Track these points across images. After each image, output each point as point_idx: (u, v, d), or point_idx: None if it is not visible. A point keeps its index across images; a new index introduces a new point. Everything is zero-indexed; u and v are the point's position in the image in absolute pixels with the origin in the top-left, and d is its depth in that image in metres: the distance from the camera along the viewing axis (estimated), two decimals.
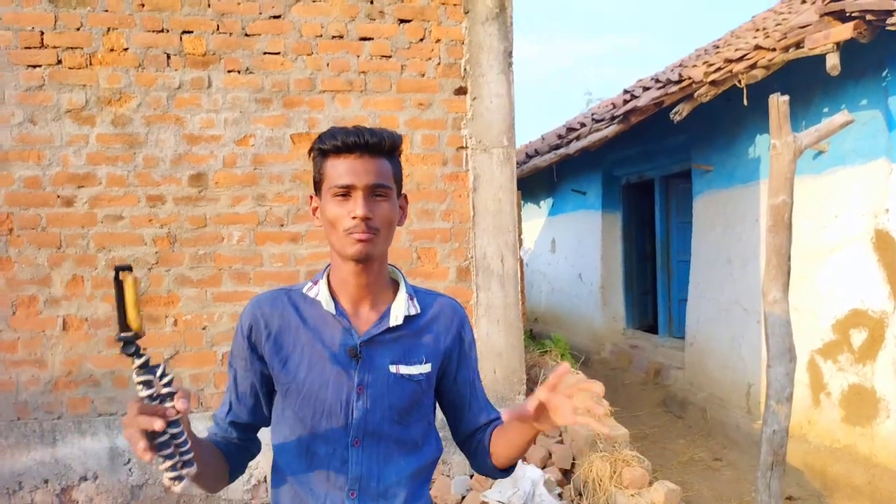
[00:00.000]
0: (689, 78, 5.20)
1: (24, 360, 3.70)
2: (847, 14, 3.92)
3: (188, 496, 3.77)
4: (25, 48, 3.68)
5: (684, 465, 5.17)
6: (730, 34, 7.73)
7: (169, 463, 1.05)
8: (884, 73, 4.24)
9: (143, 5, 3.77)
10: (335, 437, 1.32)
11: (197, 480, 1.23)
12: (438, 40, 4.04)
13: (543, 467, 3.78)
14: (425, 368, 1.36)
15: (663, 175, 7.67)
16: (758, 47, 4.68)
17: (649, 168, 7.84)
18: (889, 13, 3.69)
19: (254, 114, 3.88)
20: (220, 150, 3.84)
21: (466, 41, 4.05)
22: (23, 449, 3.67)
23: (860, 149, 4.42)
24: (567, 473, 3.83)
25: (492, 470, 1.45)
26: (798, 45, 4.31)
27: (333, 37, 3.94)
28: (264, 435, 1.43)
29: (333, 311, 1.34)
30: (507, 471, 1.46)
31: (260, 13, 3.87)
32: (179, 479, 1.07)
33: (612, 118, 6.62)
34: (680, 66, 7.04)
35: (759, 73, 4.61)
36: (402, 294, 1.39)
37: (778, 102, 3.09)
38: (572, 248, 9.69)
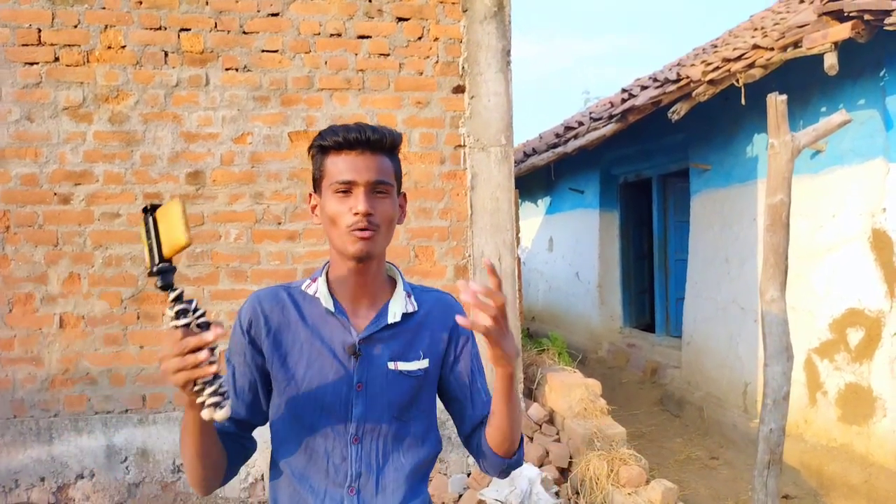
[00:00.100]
0: (687, 77, 5.20)
1: (20, 358, 3.69)
2: (845, 14, 3.93)
3: (185, 495, 3.77)
4: (23, 45, 3.67)
5: (681, 464, 5.18)
6: (728, 33, 7.73)
7: (211, 389, 1.07)
8: (881, 73, 4.25)
9: (140, 3, 3.76)
10: (334, 434, 1.32)
11: (196, 470, 1.23)
12: (437, 39, 4.03)
13: (540, 466, 3.79)
14: (423, 364, 1.37)
15: (661, 174, 7.68)
16: (756, 47, 4.68)
17: (647, 167, 7.85)
18: (887, 13, 3.69)
19: (251, 112, 3.88)
20: (217, 148, 3.84)
21: (465, 40, 4.05)
22: (19, 447, 3.66)
23: (858, 148, 4.43)
24: (564, 472, 3.83)
25: (495, 459, 1.38)
26: (796, 44, 4.31)
27: (331, 35, 3.94)
28: (261, 434, 1.43)
29: (332, 309, 1.34)
30: (511, 460, 1.38)
31: (258, 11, 3.86)
32: (221, 405, 1.08)
33: (610, 117, 6.62)
34: (678, 65, 7.04)
35: (757, 73, 4.62)
36: (400, 291, 1.40)
37: (776, 102, 3.10)
38: (570, 246, 9.69)
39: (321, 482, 1.32)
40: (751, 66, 4.62)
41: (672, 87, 5.40)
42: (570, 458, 3.88)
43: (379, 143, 1.30)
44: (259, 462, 3.74)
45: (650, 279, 8.32)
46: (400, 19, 3.99)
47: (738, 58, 4.76)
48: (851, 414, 4.45)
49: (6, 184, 3.68)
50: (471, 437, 1.44)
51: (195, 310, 1.09)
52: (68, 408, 3.73)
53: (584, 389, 4.13)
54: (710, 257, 6.17)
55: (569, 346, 6.87)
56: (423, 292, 1.44)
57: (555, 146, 8.21)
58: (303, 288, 1.38)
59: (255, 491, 3.80)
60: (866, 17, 3.81)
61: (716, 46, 7.07)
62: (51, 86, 3.70)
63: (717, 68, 4.88)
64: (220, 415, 1.08)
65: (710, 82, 4.90)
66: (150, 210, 1.11)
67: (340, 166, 1.28)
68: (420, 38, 4.02)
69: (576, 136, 7.60)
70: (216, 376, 1.08)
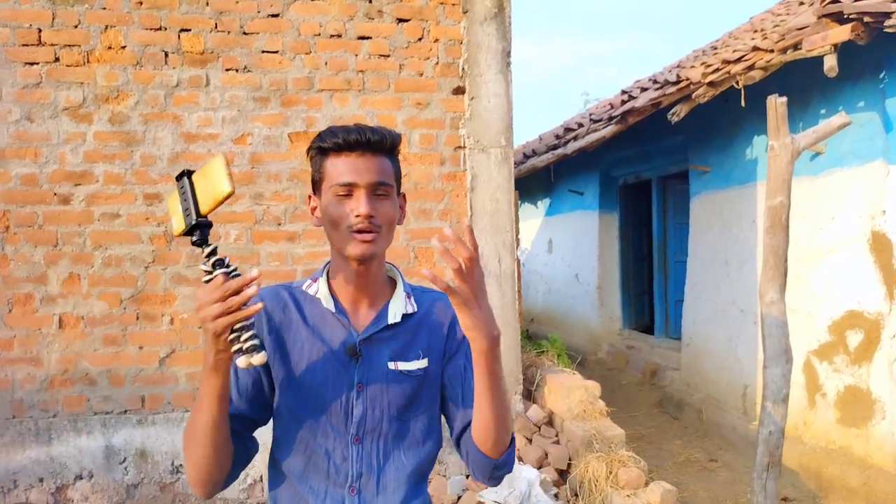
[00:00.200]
0: (687, 79, 5.20)
1: (19, 358, 3.69)
2: (845, 16, 3.93)
3: (183, 496, 3.77)
4: (23, 45, 3.67)
5: (680, 466, 5.18)
6: (728, 35, 7.74)
7: (249, 333, 1.12)
8: (881, 75, 4.25)
9: (141, 3, 3.76)
10: (335, 435, 1.32)
11: (202, 460, 1.22)
12: (437, 40, 4.03)
13: (539, 467, 3.78)
14: (422, 363, 1.37)
15: (660, 176, 7.68)
16: (756, 49, 4.69)
17: (647, 169, 7.85)
18: (887, 15, 3.69)
19: (252, 112, 3.88)
20: (217, 149, 3.84)
21: (465, 41, 4.05)
22: (18, 447, 3.66)
23: (857, 150, 4.43)
24: (563, 474, 3.83)
25: (478, 457, 1.31)
26: (796, 46, 4.31)
27: (332, 36, 3.94)
28: (259, 436, 1.42)
29: (333, 309, 1.34)
30: (497, 461, 1.31)
31: (258, 12, 3.87)
32: (259, 349, 1.12)
33: (610, 119, 6.62)
34: (678, 66, 7.05)
35: (756, 75, 4.62)
36: (400, 292, 1.40)
37: (776, 104, 3.10)
38: (569, 248, 9.69)
39: (322, 482, 1.32)
40: (750, 67, 4.63)
41: (672, 89, 5.41)
42: (570, 459, 3.88)
43: (379, 144, 1.29)
44: (257, 463, 3.73)
45: (649, 281, 8.32)
46: (400, 20, 3.99)
47: (738, 60, 4.77)
48: (850, 416, 4.44)
49: (6, 184, 3.68)
50: (460, 438, 1.40)
51: (228, 265, 1.15)
52: (67, 408, 3.73)
53: (583, 391, 4.13)
54: (709, 259, 6.17)
55: (568, 348, 6.87)
56: (422, 293, 1.45)
57: (554, 147, 8.21)
58: (304, 288, 1.38)
59: (253, 492, 3.80)
60: (866, 19, 3.81)
61: (715, 48, 7.08)
62: (51, 86, 3.70)
63: (717, 70, 4.88)
64: (258, 358, 1.11)
65: (710, 84, 4.91)
66: (186, 174, 1.18)
67: (340, 168, 1.28)
68: (420, 40, 4.02)
69: (575, 138, 7.60)
70: (252, 324, 1.14)
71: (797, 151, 3.13)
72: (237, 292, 1.09)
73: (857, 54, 4.20)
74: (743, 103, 4.79)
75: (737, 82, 4.71)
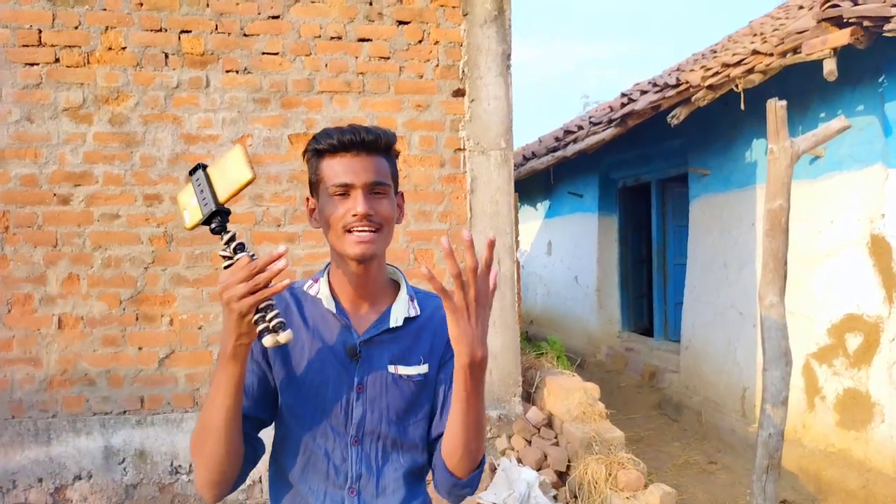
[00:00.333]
0: (687, 82, 5.21)
1: (18, 359, 3.69)
2: (844, 20, 3.94)
3: (182, 496, 3.76)
4: (23, 46, 3.68)
5: (679, 469, 5.18)
6: (727, 39, 7.75)
7: (274, 312, 1.14)
8: (880, 79, 4.26)
9: (141, 4, 3.76)
10: (334, 436, 1.32)
11: (214, 458, 1.21)
12: (437, 42, 4.04)
13: (539, 469, 3.78)
14: (423, 369, 1.36)
15: (660, 178, 7.69)
16: (755, 52, 4.69)
17: (646, 171, 7.86)
18: (886, 19, 3.70)
19: (252, 114, 3.88)
20: (217, 150, 3.84)
21: (465, 43, 4.06)
22: (17, 447, 3.66)
23: (856, 154, 4.44)
24: (562, 475, 3.83)
25: (442, 474, 1.31)
26: (795, 50, 4.32)
27: (332, 38, 3.94)
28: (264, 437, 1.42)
29: (334, 310, 1.34)
30: (461, 480, 1.29)
31: (259, 13, 3.87)
32: (284, 327, 1.14)
33: (610, 121, 6.63)
34: (677, 70, 7.05)
35: (756, 78, 4.63)
36: (403, 295, 1.39)
37: (776, 107, 3.11)
38: (569, 250, 9.70)
39: (321, 483, 1.32)
40: (750, 71, 4.63)
41: (671, 92, 5.41)
42: (569, 461, 3.87)
43: (374, 143, 1.30)
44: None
45: (649, 283, 8.32)
46: (400, 23, 4.00)
47: (738, 63, 4.77)
48: (850, 419, 4.45)
49: (6, 184, 3.68)
50: (431, 446, 1.38)
51: (248, 249, 1.17)
52: (66, 409, 3.72)
53: (582, 393, 4.13)
54: (708, 262, 6.18)
55: (567, 350, 6.87)
56: (426, 297, 1.44)
57: (554, 150, 8.22)
58: (305, 288, 1.38)
59: (252, 493, 3.80)
60: (865, 23, 3.82)
61: (715, 52, 7.08)
62: (51, 87, 3.70)
63: (717, 73, 4.89)
64: (285, 336, 1.13)
65: (710, 87, 4.92)
66: (202, 167, 1.22)
67: (337, 169, 1.28)
68: (420, 42, 4.03)
69: (575, 140, 7.61)
70: (274, 304, 1.15)
71: (797, 155, 3.13)
72: (262, 270, 1.11)
73: (857, 58, 4.20)
74: (742, 107, 4.80)
75: (736, 86, 4.72)
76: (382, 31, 3.99)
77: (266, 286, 1.11)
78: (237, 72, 3.86)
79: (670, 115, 5.30)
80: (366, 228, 1.27)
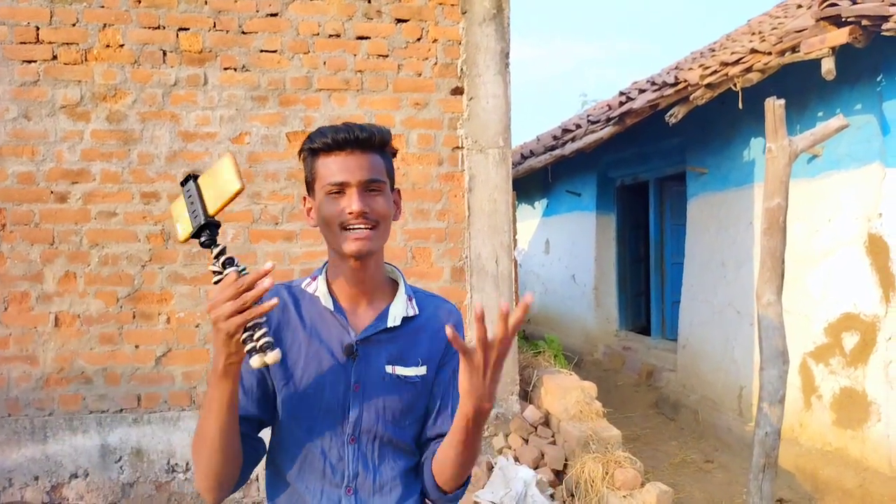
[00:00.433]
0: (685, 80, 5.21)
1: (15, 357, 3.68)
2: (843, 19, 3.94)
3: (179, 495, 3.76)
4: (21, 43, 3.66)
5: (676, 467, 5.18)
6: (726, 38, 7.75)
7: (262, 331, 1.11)
8: (878, 79, 4.26)
9: (139, 2, 3.75)
10: (331, 434, 1.32)
11: (213, 465, 1.20)
12: (435, 40, 4.03)
13: (536, 468, 3.79)
14: (421, 370, 1.36)
15: (658, 177, 7.69)
16: (754, 51, 4.70)
17: (644, 170, 7.86)
18: (884, 18, 3.70)
19: (250, 111, 3.87)
20: (215, 148, 3.83)
21: (463, 41, 4.05)
22: (13, 445, 3.65)
23: (854, 153, 4.44)
24: (559, 474, 3.83)
25: (433, 486, 1.35)
26: (794, 49, 4.32)
27: (330, 35, 3.94)
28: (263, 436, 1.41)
29: (331, 308, 1.34)
30: (447, 496, 1.34)
31: (257, 11, 3.86)
32: (272, 347, 1.10)
33: (608, 120, 6.63)
34: (676, 69, 7.05)
35: (754, 77, 4.63)
36: (402, 294, 1.39)
37: (774, 106, 3.11)
38: (566, 249, 9.70)
39: (318, 482, 1.32)
40: (748, 70, 4.63)
41: (670, 91, 5.41)
42: (566, 460, 3.88)
43: (368, 141, 1.30)
44: None
45: (646, 282, 8.32)
46: (399, 21, 3.99)
47: (736, 62, 4.78)
48: (846, 418, 4.46)
49: (3, 182, 3.67)
50: (422, 445, 1.40)
51: (238, 264, 1.14)
52: (63, 407, 3.72)
53: (579, 392, 4.13)
54: (706, 261, 6.18)
55: (564, 349, 6.87)
56: (425, 297, 1.43)
57: (552, 148, 8.22)
58: (303, 286, 1.38)
59: (249, 491, 3.79)
60: (864, 22, 3.82)
61: (714, 51, 7.08)
62: (48, 84, 3.69)
63: (715, 72, 4.89)
64: (272, 356, 1.10)
65: (708, 86, 4.92)
66: (192, 178, 1.20)
67: (332, 168, 1.28)
68: (419, 40, 4.02)
69: (573, 139, 7.61)
70: (264, 323, 1.13)
71: (795, 154, 3.14)
72: (250, 288, 1.08)
73: (855, 57, 4.21)
74: (740, 105, 4.80)
75: (734, 84, 4.72)
76: (381, 28, 3.98)
77: (254, 304, 1.08)
78: (235, 69, 3.85)
79: (668, 113, 5.30)
80: (362, 226, 1.26)
